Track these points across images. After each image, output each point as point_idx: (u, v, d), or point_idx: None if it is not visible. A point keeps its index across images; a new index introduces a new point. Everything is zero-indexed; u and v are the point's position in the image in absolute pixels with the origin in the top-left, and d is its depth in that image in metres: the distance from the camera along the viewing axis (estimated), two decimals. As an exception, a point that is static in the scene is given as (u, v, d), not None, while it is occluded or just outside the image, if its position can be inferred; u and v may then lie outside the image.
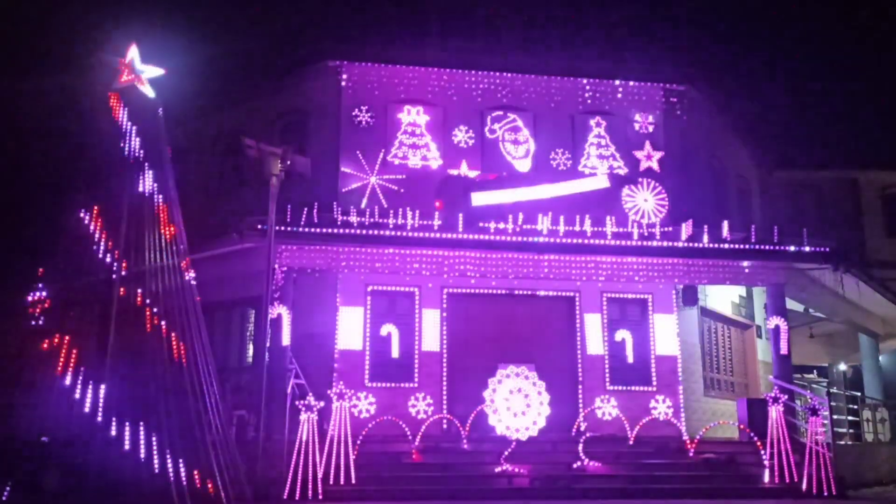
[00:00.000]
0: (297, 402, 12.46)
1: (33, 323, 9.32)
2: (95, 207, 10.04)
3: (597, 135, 17.61)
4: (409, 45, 18.06)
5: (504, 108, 17.50)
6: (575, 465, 13.03)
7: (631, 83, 18.03)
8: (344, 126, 16.92)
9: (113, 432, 8.75)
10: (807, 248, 15.87)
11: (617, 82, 17.99)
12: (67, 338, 8.86)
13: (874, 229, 23.74)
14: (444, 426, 14.81)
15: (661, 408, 16.17)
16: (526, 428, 13.68)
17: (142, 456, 8.85)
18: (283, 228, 14.09)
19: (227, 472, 9.87)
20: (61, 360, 8.84)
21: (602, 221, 15.69)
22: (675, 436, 14.33)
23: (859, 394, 19.89)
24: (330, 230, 14.73)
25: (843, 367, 26.27)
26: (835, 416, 15.15)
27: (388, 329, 16.06)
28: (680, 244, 15.69)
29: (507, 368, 14.05)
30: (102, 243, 9.73)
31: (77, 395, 8.81)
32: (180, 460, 9.13)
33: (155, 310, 9.80)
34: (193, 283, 10.64)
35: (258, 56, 18.77)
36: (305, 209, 14.70)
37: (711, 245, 15.67)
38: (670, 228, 16.21)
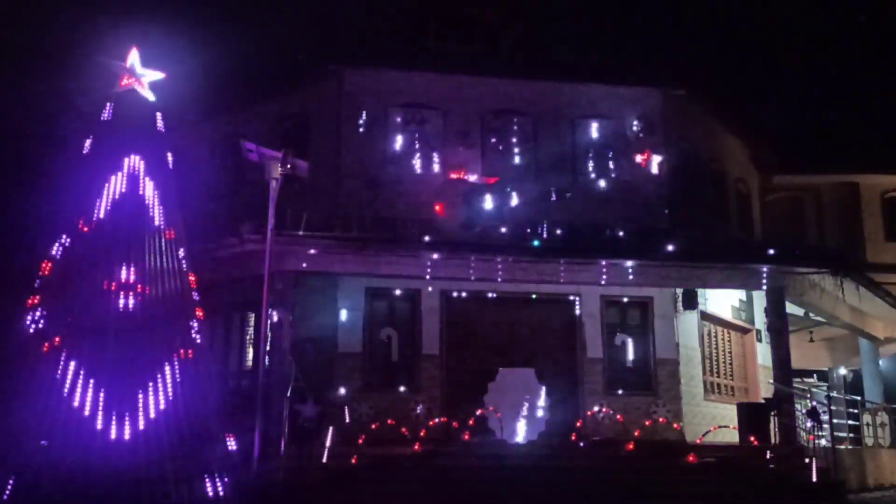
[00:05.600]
0: (296, 406, 12.47)
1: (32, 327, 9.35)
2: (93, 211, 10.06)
3: (596, 138, 17.62)
4: (409, 51, 18.13)
5: (503, 113, 17.52)
6: (575, 469, 13.01)
7: (631, 87, 18.05)
8: (344, 130, 16.95)
9: (112, 433, 8.77)
10: (806, 252, 15.88)
11: (617, 86, 18.00)
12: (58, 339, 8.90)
13: (874, 233, 23.73)
14: (444, 429, 14.80)
15: (660, 412, 16.16)
16: (526, 431, 13.68)
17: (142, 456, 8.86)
18: (282, 232, 14.09)
19: (226, 474, 9.86)
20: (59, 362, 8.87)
21: (602, 225, 15.70)
22: (676, 440, 14.34)
23: (859, 398, 19.89)
24: (330, 234, 14.74)
25: (843, 370, 26.24)
26: (835, 420, 15.15)
27: (388, 332, 16.06)
28: (680, 248, 15.69)
29: (507, 372, 14.06)
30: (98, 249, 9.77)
31: (77, 399, 8.83)
32: (180, 462, 9.13)
33: (154, 313, 9.81)
34: (193, 287, 10.62)
35: (260, 61, 18.82)
36: (305, 213, 14.71)
37: (711, 249, 15.67)
38: (670, 232, 16.23)
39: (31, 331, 9.24)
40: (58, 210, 10.44)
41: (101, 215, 9.94)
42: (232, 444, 9.90)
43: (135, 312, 9.39)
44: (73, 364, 8.82)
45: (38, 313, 9.23)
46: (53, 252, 9.78)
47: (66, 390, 8.68)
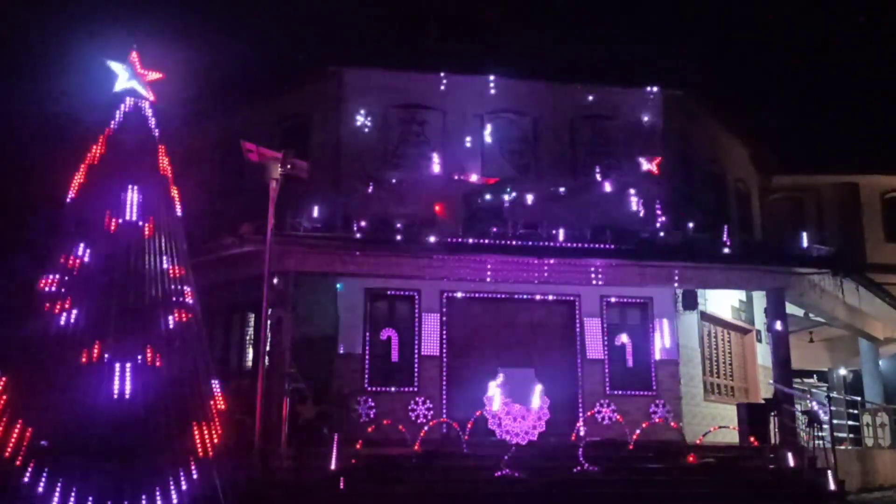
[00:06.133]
0: (296, 407, 12.47)
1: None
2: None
3: (596, 139, 17.61)
4: (409, 51, 18.10)
5: (504, 113, 17.51)
6: (575, 470, 13.01)
7: (631, 88, 18.04)
8: (344, 130, 16.93)
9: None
10: (806, 253, 15.88)
11: (617, 87, 17.99)
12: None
13: (874, 234, 23.75)
14: (444, 430, 14.80)
15: (660, 412, 16.16)
16: (525, 432, 13.68)
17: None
18: (282, 232, 14.10)
19: (226, 474, 9.88)
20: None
21: (602, 226, 15.69)
22: (675, 440, 14.33)
23: (859, 398, 19.90)
24: (330, 234, 14.75)
25: (843, 371, 26.25)
26: (835, 421, 15.15)
27: (388, 333, 16.06)
28: (680, 248, 15.70)
29: (506, 372, 14.04)
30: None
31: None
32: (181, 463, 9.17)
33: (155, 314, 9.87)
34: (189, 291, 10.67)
35: (260, 61, 18.80)
36: (305, 213, 14.71)
37: (711, 249, 15.67)
38: (670, 233, 16.23)
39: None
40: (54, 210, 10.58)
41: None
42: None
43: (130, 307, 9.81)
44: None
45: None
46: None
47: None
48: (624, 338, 16.74)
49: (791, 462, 13.07)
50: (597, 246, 15.40)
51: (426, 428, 13.98)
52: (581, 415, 15.52)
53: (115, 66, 10.96)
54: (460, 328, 16.35)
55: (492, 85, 17.59)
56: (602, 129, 17.73)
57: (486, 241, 15.11)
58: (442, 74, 17.42)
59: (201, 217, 16.16)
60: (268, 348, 13.18)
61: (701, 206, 18.11)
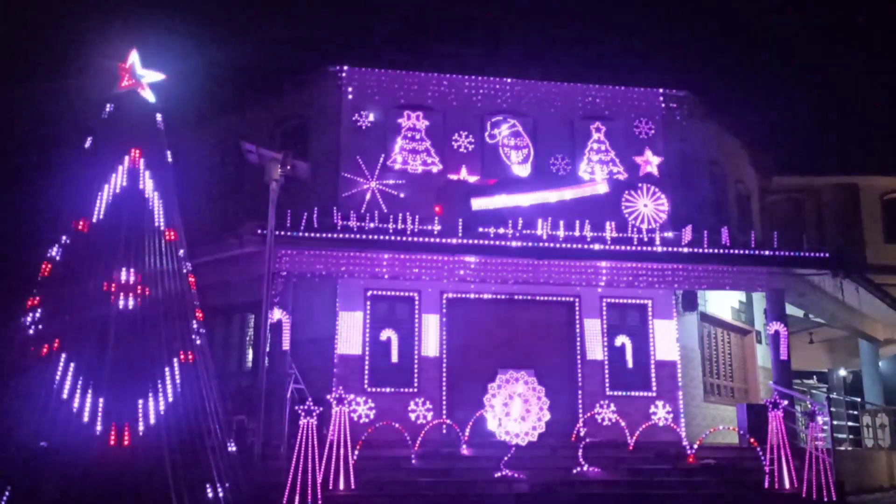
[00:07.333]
0: (296, 407, 12.44)
1: (31, 329, 9.39)
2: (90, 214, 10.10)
3: (596, 140, 17.61)
4: (409, 51, 18.09)
5: (504, 114, 17.50)
6: (575, 471, 13.01)
7: (631, 88, 18.03)
8: (344, 131, 16.92)
9: (112, 437, 8.78)
10: (806, 254, 15.89)
11: (617, 88, 17.98)
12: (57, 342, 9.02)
13: (874, 235, 23.75)
14: (444, 431, 14.79)
15: (660, 413, 16.16)
16: (525, 433, 13.66)
17: (141, 459, 8.88)
18: (282, 233, 14.09)
19: (227, 477, 9.86)
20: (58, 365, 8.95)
21: (602, 227, 15.69)
22: (675, 441, 14.31)
23: (859, 399, 19.90)
24: (330, 235, 14.74)
25: (842, 372, 26.25)
26: (835, 422, 15.17)
27: (388, 334, 16.04)
28: (679, 249, 15.70)
29: (506, 373, 14.04)
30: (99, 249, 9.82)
31: (76, 402, 8.86)
32: (180, 464, 9.13)
33: (154, 315, 9.84)
34: (193, 288, 10.64)
35: (259, 61, 18.80)
36: (305, 214, 14.70)
37: (711, 250, 15.67)
38: (670, 234, 16.24)
39: (31, 332, 9.31)
40: (57, 210, 10.48)
41: (101, 215, 10.00)
42: (232, 447, 9.92)
43: (134, 314, 9.50)
44: (72, 367, 8.91)
45: (37, 314, 9.30)
46: (53, 253, 9.81)
47: (65, 394, 8.79)
48: (624, 339, 16.73)
49: (790, 463, 13.07)
50: (597, 247, 15.40)
51: (426, 429, 13.96)
52: (581, 415, 15.51)
53: (115, 66, 10.94)
54: (460, 329, 16.33)
55: (492, 84, 17.58)
56: (602, 130, 17.71)
57: (487, 241, 15.10)
58: (442, 74, 17.41)
59: (201, 217, 16.16)
60: (268, 349, 13.16)
61: (701, 207, 18.10)
